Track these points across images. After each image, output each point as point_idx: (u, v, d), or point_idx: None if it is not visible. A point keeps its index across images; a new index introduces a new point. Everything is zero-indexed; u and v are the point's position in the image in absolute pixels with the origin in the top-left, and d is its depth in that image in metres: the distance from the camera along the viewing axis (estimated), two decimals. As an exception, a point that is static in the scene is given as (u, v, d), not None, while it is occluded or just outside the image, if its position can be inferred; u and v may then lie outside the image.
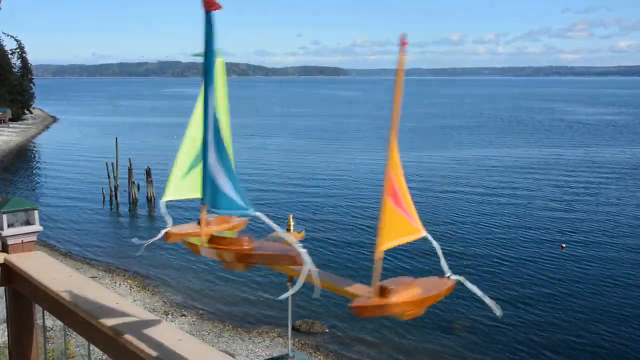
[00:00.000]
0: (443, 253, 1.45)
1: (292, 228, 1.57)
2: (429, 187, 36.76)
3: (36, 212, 3.39)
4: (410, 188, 1.43)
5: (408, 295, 1.26)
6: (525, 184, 39.27)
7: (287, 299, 1.75)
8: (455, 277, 1.40)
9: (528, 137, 68.36)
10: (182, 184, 1.55)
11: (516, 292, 20.64)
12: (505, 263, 23.49)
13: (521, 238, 26.94)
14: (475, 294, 1.36)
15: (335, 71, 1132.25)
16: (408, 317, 1.30)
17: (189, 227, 1.63)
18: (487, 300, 1.37)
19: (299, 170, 45.02)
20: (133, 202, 34.12)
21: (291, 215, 1.59)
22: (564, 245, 25.59)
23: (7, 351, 3.44)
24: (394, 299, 1.25)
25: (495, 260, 23.85)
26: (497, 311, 1.39)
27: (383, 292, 1.26)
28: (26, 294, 3.19)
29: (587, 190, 37.42)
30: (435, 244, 1.48)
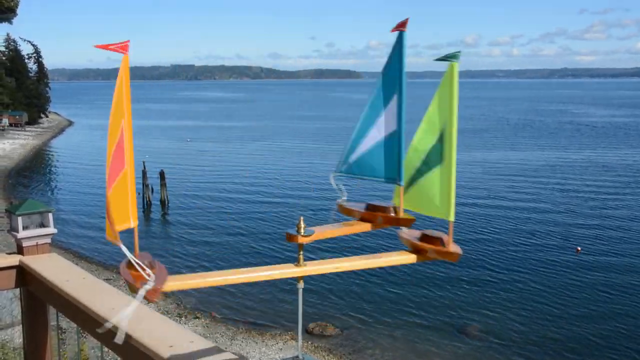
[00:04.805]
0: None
1: (302, 230, 1.56)
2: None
3: (51, 214, 3.41)
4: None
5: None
6: (538, 187, 38.91)
7: (297, 301, 1.75)
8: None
9: (539, 139, 67.78)
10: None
11: (531, 294, 20.44)
12: (519, 266, 23.28)
13: (535, 241, 26.69)
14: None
15: (349, 74, 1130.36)
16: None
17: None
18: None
19: (307, 171, 45.00)
20: (147, 205, 34.39)
21: (302, 218, 1.58)
22: (579, 248, 25.31)
23: (22, 352, 3.47)
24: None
25: (508, 263, 23.65)
26: None
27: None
28: (41, 295, 3.21)
29: (601, 193, 36.98)
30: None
